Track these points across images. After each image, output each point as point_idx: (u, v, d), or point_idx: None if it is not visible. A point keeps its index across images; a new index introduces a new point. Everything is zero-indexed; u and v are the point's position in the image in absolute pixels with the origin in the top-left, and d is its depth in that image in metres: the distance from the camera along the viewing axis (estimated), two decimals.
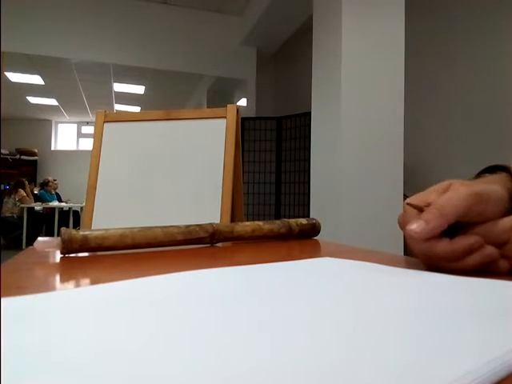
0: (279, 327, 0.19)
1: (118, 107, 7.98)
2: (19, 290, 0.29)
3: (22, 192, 6.15)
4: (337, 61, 2.33)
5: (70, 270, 0.39)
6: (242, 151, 1.54)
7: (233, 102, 6.08)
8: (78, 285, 0.33)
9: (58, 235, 0.46)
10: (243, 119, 4.22)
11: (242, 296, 0.26)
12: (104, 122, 1.16)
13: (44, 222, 6.45)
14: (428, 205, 0.34)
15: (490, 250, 0.32)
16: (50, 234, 6.17)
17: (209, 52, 4.71)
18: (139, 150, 1.13)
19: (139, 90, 6.70)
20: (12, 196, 6.11)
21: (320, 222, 0.64)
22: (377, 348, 0.17)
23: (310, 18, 2.70)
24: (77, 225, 6.50)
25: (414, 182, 3.21)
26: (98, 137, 1.14)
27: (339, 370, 0.14)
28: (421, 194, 0.36)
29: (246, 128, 4.30)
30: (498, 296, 0.26)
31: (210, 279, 0.31)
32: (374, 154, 2.32)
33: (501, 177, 0.39)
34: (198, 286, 0.29)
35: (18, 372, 0.14)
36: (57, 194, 7.05)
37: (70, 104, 8.02)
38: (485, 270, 0.33)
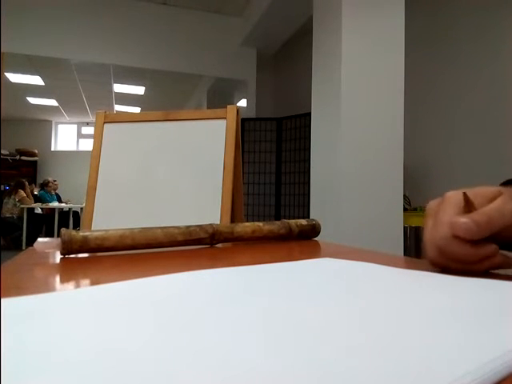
0: (279, 327, 0.19)
1: (118, 108, 7.98)
2: (19, 290, 0.29)
3: (21, 193, 6.15)
4: (337, 61, 2.33)
5: (70, 270, 0.39)
6: (242, 152, 1.54)
7: (233, 102, 6.08)
8: (78, 285, 0.33)
9: (58, 236, 0.46)
10: (243, 120, 4.22)
11: (242, 297, 0.26)
12: (104, 122, 1.16)
13: (44, 223, 6.45)
14: (471, 205, 0.33)
15: (499, 258, 0.33)
16: (49, 234, 6.17)
17: (209, 53, 4.72)
18: (139, 150, 1.13)
19: (139, 90, 6.71)
20: (12, 197, 6.11)
21: (320, 222, 0.64)
22: (377, 348, 0.17)
23: (310, 19, 2.70)
24: (77, 225, 6.50)
25: (414, 181, 3.21)
26: (98, 137, 1.14)
27: (339, 371, 0.14)
28: (467, 190, 0.35)
29: (246, 129, 4.30)
30: (498, 296, 0.26)
31: (210, 280, 0.31)
32: (373, 154, 2.33)
33: None
34: (198, 287, 0.29)
35: (18, 372, 0.14)
36: (57, 195, 7.05)
37: (70, 105, 8.02)
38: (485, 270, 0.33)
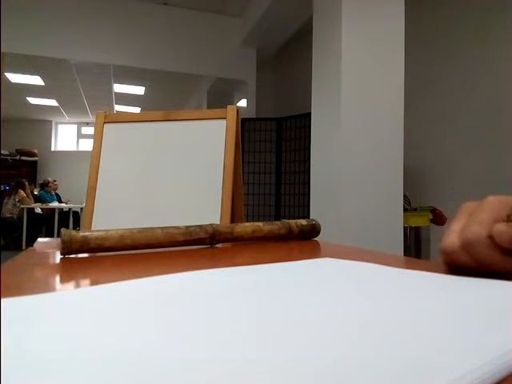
0: (279, 328, 0.19)
1: (118, 108, 7.98)
2: (19, 290, 0.29)
3: (21, 193, 6.15)
4: (337, 61, 2.33)
5: (70, 270, 0.39)
6: (242, 152, 1.54)
7: (233, 102, 6.08)
8: (78, 285, 0.33)
9: (58, 236, 0.46)
10: (243, 120, 4.22)
11: (242, 297, 0.26)
12: (104, 122, 1.16)
13: (44, 223, 6.45)
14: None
15: None
16: (49, 234, 6.17)
17: (209, 53, 4.72)
18: (139, 150, 1.13)
19: (139, 90, 6.71)
20: (12, 197, 6.11)
21: (320, 222, 0.64)
22: (377, 348, 0.17)
23: (310, 19, 2.70)
24: (77, 226, 6.50)
25: (414, 182, 3.21)
26: (98, 138, 1.14)
27: (339, 370, 0.14)
28: (506, 197, 0.36)
29: (246, 129, 4.30)
30: (498, 296, 0.26)
31: (210, 280, 0.31)
32: (373, 154, 2.33)
33: None
34: (198, 287, 0.29)
35: (18, 372, 0.14)
36: (57, 195, 7.06)
37: (70, 105, 8.02)
38: (485, 271, 0.33)
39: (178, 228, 0.51)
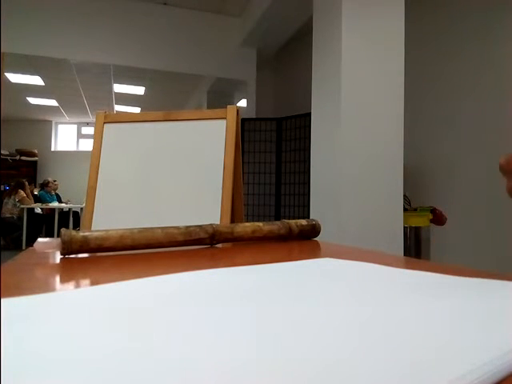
0: (279, 327, 0.19)
1: (118, 108, 7.98)
2: (19, 290, 0.29)
3: (21, 193, 6.15)
4: (337, 61, 2.33)
5: (70, 270, 0.39)
6: (242, 152, 1.54)
7: (233, 102, 6.08)
8: (78, 286, 0.33)
9: (58, 236, 0.46)
10: (243, 120, 4.22)
11: (242, 297, 0.26)
12: (104, 122, 1.16)
13: (44, 223, 6.45)
14: None
15: None
16: (49, 234, 6.17)
17: (209, 53, 4.72)
18: (139, 150, 1.13)
19: (139, 90, 6.70)
20: (12, 197, 6.11)
21: (320, 222, 0.64)
22: (377, 348, 0.16)
23: (310, 19, 2.70)
24: (77, 226, 6.50)
25: (414, 182, 3.21)
26: (98, 138, 1.14)
27: (340, 370, 0.14)
28: None
29: (246, 129, 4.30)
30: (498, 296, 0.26)
31: (210, 280, 0.31)
32: (374, 154, 2.33)
33: None
34: (197, 287, 0.29)
35: (18, 372, 0.14)
36: (57, 195, 7.06)
37: (70, 105, 8.02)
38: (486, 270, 0.33)
39: (177, 228, 0.50)
